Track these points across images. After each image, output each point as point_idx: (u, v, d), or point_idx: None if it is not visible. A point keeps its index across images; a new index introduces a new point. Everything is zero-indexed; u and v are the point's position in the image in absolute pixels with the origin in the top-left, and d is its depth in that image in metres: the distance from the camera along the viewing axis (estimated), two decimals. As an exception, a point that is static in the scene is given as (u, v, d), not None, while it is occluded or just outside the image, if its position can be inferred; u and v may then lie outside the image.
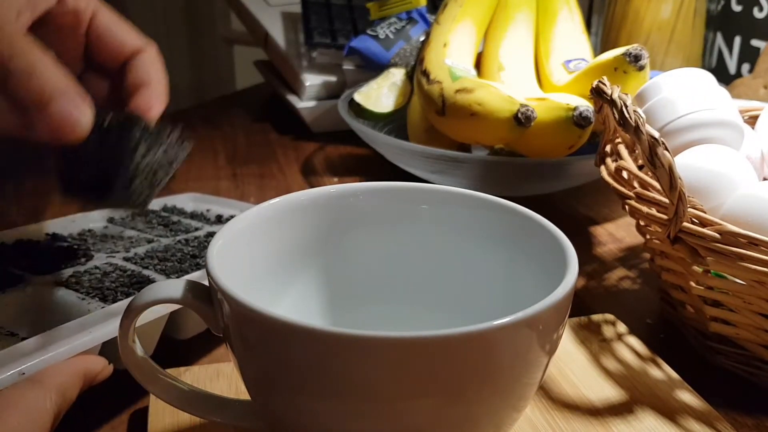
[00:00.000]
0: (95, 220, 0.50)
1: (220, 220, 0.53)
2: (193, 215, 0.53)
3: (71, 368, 0.32)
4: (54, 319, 0.35)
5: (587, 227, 0.61)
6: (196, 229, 0.50)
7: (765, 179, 0.46)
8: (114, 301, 0.38)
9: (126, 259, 0.43)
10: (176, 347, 0.41)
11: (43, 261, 0.42)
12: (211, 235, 0.48)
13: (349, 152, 0.79)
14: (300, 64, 0.85)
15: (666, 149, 0.36)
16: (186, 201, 0.56)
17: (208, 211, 0.54)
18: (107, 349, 0.34)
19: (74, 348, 0.33)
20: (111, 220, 0.50)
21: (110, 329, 0.34)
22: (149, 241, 0.47)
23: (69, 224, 0.48)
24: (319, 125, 0.84)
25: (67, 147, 0.30)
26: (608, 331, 0.43)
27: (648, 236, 0.43)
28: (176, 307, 0.37)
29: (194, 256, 0.45)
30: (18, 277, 0.40)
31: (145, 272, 0.42)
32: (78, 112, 0.29)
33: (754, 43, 0.82)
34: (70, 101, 0.28)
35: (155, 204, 0.54)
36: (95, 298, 0.38)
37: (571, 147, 0.57)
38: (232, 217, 0.52)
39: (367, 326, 0.25)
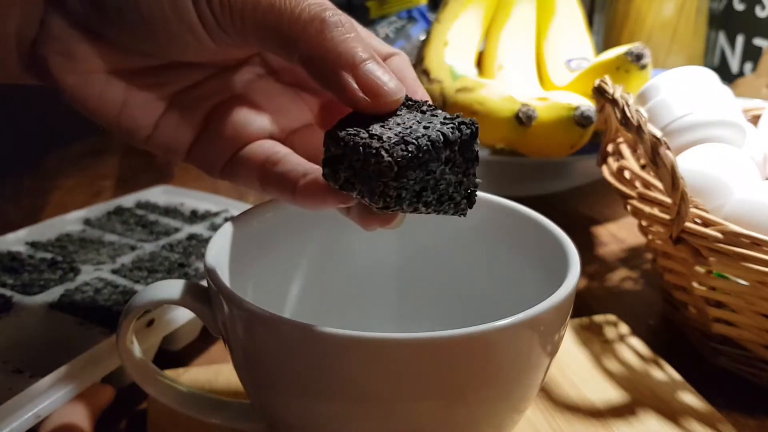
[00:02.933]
0: (72, 222, 0.50)
1: (195, 215, 0.53)
2: (168, 211, 0.53)
3: (88, 404, 0.33)
4: (57, 350, 0.35)
5: (589, 227, 0.61)
6: (176, 230, 0.50)
7: (768, 179, 0.46)
8: (112, 323, 0.38)
9: (114, 272, 0.43)
10: (163, 348, 0.41)
11: (30, 279, 0.42)
12: (193, 236, 0.49)
13: (349, 152, 0.78)
14: (300, 64, 0.85)
15: (668, 149, 0.35)
16: (158, 194, 0.56)
17: (182, 204, 0.54)
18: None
19: (83, 383, 0.33)
20: (87, 222, 0.50)
21: (116, 360, 0.35)
22: (132, 248, 0.46)
23: (46, 230, 0.48)
24: (319, 125, 0.83)
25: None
26: (610, 332, 0.42)
27: (650, 236, 0.43)
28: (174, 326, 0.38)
29: (182, 264, 0.45)
30: (9, 300, 0.39)
31: (137, 287, 0.41)
32: (393, 78, 0.25)
33: (757, 41, 0.81)
34: (383, 67, 0.25)
35: (128, 201, 0.54)
36: (93, 322, 0.38)
37: (573, 146, 0.56)
38: (207, 211, 0.53)
39: (366, 327, 0.25)
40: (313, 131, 0.31)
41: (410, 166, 0.23)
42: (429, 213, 0.25)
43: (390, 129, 0.24)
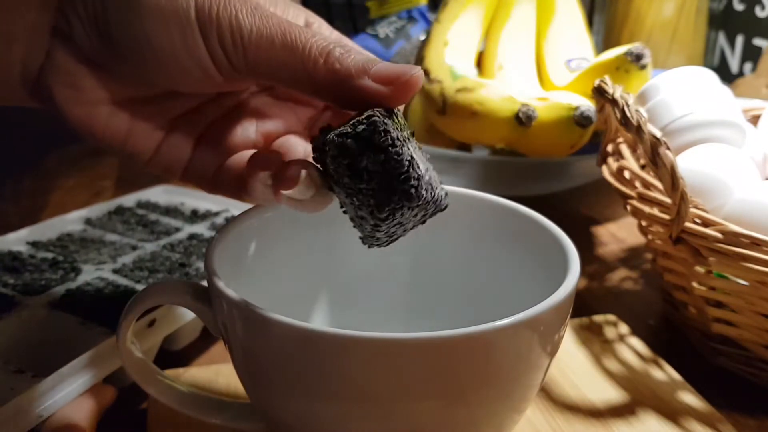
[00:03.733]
0: (72, 221, 0.49)
1: (195, 214, 0.53)
2: (168, 210, 0.53)
3: (90, 405, 0.33)
4: (59, 350, 0.35)
5: (589, 227, 0.61)
6: (177, 229, 0.50)
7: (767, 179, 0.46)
8: (114, 323, 0.38)
9: (115, 272, 0.43)
10: (164, 348, 0.41)
11: (31, 278, 0.41)
12: (194, 236, 0.49)
13: (349, 152, 0.79)
14: (300, 64, 0.85)
15: (668, 149, 0.35)
16: (159, 194, 0.56)
17: (182, 204, 0.54)
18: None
19: (86, 383, 0.34)
20: (88, 222, 0.50)
21: (117, 360, 0.35)
22: (133, 248, 0.46)
23: (47, 230, 0.48)
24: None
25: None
26: (610, 332, 0.43)
27: (650, 236, 0.43)
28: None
29: (182, 264, 0.45)
30: (10, 300, 0.39)
31: (138, 287, 0.41)
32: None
33: (757, 42, 0.81)
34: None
35: (130, 200, 0.54)
36: (94, 321, 0.38)
37: (573, 146, 0.56)
38: (208, 211, 0.53)
39: (366, 327, 0.25)
40: (296, 138, 0.31)
41: (421, 205, 0.25)
42: (366, 224, 0.26)
43: (417, 161, 0.25)
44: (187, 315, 0.39)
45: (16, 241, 0.46)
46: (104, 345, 0.35)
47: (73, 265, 0.43)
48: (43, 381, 0.32)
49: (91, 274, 0.43)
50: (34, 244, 0.46)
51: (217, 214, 0.53)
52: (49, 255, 0.44)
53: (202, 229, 0.50)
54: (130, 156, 0.29)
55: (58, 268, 0.43)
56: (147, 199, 0.55)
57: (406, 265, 0.37)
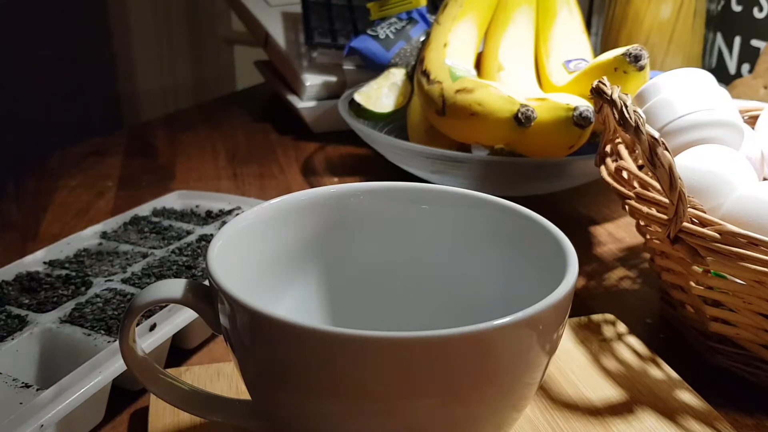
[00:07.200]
0: (88, 237, 0.49)
1: (210, 215, 0.53)
2: (183, 214, 0.53)
3: None
4: (64, 361, 0.35)
5: (587, 227, 0.61)
6: (188, 233, 0.50)
7: (765, 179, 0.46)
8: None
9: (124, 281, 0.43)
10: (177, 346, 0.41)
11: (45, 297, 0.41)
12: (204, 238, 0.49)
13: (349, 152, 0.79)
14: (300, 64, 0.85)
15: (666, 149, 0.36)
16: (174, 200, 0.56)
17: (197, 207, 0.55)
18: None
19: (87, 392, 0.33)
20: (104, 236, 0.50)
21: (119, 365, 0.35)
22: (144, 256, 0.46)
23: (64, 247, 0.48)
24: (319, 125, 0.84)
25: None
26: (608, 331, 0.43)
27: (648, 236, 0.43)
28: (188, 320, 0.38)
29: (189, 267, 0.45)
30: (23, 320, 0.39)
31: None
32: None
33: (754, 43, 0.82)
34: None
35: (145, 209, 0.54)
36: (100, 331, 0.38)
37: (571, 147, 0.57)
38: (221, 210, 0.53)
39: (367, 326, 0.25)
40: None
41: None
42: None
43: None
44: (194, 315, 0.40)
45: (33, 262, 0.46)
46: (103, 352, 0.35)
47: (84, 280, 0.43)
48: (44, 392, 0.32)
49: (101, 286, 0.42)
50: (51, 263, 0.46)
51: (229, 212, 0.53)
52: (64, 272, 0.44)
53: (212, 229, 0.50)
54: None
55: (71, 283, 0.43)
56: (162, 206, 0.55)
57: (405, 265, 0.37)
